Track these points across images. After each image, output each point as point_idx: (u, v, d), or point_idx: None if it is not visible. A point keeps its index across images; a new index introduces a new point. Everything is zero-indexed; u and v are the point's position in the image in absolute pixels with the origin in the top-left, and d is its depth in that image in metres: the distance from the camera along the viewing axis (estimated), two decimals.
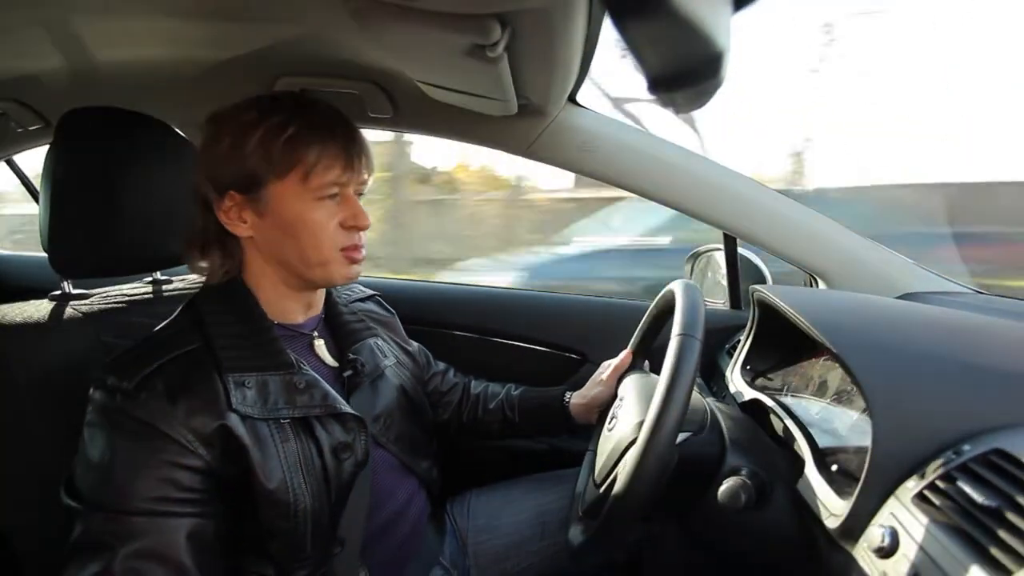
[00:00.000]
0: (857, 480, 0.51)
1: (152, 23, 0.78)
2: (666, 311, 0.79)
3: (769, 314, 0.79)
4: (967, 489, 0.44)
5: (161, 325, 0.66)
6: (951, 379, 0.55)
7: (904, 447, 0.50)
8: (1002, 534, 0.39)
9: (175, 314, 0.67)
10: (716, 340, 1.00)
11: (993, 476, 0.44)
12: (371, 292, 0.91)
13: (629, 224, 3.48)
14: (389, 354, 0.82)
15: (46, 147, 0.75)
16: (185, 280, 0.92)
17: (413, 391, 0.83)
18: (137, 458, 0.55)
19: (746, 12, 0.33)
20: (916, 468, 0.49)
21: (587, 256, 3.39)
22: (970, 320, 0.71)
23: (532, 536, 0.84)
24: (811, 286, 0.99)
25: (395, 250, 4.30)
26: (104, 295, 0.81)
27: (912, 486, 0.48)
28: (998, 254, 2.85)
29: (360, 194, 0.69)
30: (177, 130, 0.83)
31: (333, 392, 0.66)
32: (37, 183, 1.00)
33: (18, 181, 1.56)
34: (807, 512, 0.57)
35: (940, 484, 0.46)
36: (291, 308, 0.70)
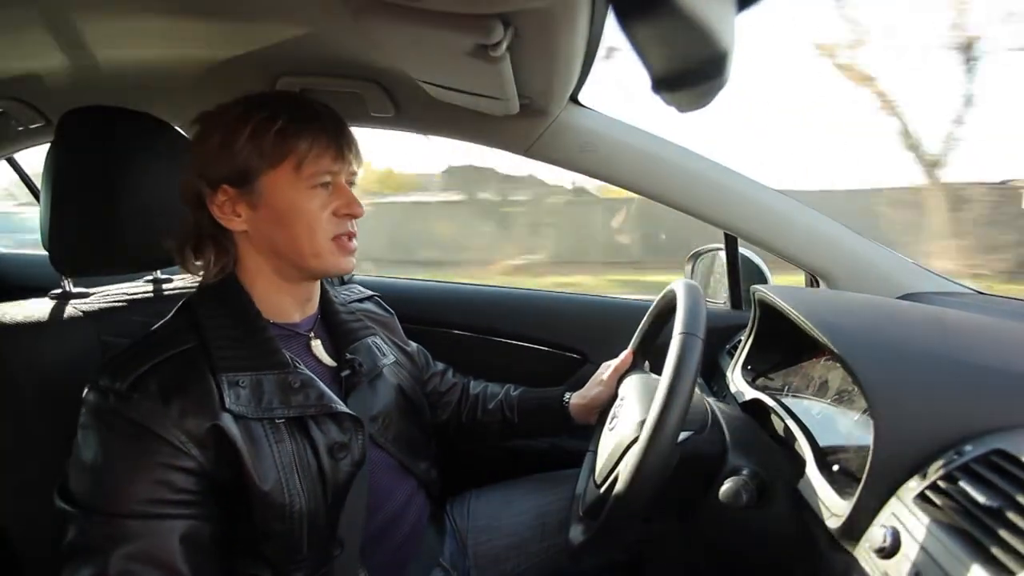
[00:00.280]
0: (858, 480, 0.51)
1: (153, 22, 0.78)
2: (667, 311, 0.79)
3: (770, 314, 0.79)
4: (969, 489, 0.44)
5: (156, 325, 0.65)
6: (952, 379, 0.55)
7: (905, 447, 0.50)
8: (1004, 534, 0.39)
9: (170, 314, 0.67)
10: (717, 340, 1.00)
11: (994, 476, 0.44)
12: (370, 293, 0.91)
13: None
14: (387, 354, 0.81)
15: (46, 146, 0.75)
16: (185, 279, 0.92)
17: (411, 391, 0.83)
18: (130, 460, 0.55)
19: (750, 12, 0.33)
20: (918, 468, 0.49)
21: None
22: (971, 321, 0.71)
23: (532, 537, 0.84)
24: (812, 286, 0.99)
25: None
26: (104, 294, 0.80)
27: (914, 486, 0.48)
28: None
29: (351, 184, 0.69)
30: (178, 129, 0.83)
31: (329, 392, 0.65)
32: (38, 181, 1.00)
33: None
34: (808, 512, 0.57)
35: (942, 484, 0.46)
36: (286, 305, 0.70)
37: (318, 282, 0.74)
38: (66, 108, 0.73)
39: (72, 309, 0.74)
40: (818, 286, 0.96)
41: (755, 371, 0.85)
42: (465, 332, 1.17)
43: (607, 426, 0.73)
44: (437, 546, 0.83)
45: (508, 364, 1.14)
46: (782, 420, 0.68)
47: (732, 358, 0.90)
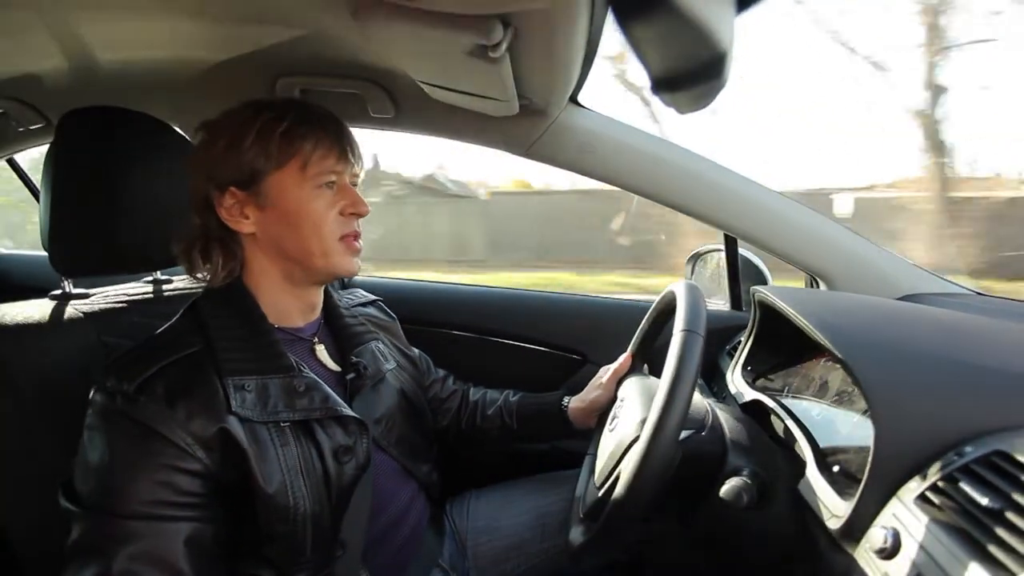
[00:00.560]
0: (859, 481, 0.51)
1: (153, 23, 0.78)
2: (666, 313, 0.79)
3: (770, 315, 0.79)
4: (969, 490, 0.44)
5: (163, 328, 0.66)
6: (952, 380, 0.55)
7: (906, 448, 0.50)
8: (1003, 535, 0.40)
9: (177, 316, 0.67)
10: (717, 341, 1.00)
11: (994, 477, 0.44)
12: (373, 297, 0.92)
13: None
14: (390, 358, 0.82)
15: (46, 146, 0.75)
16: (185, 280, 0.92)
17: (414, 395, 0.83)
18: (136, 461, 0.55)
19: (750, 13, 0.33)
20: (918, 469, 0.49)
21: None
22: (971, 322, 0.71)
23: (532, 538, 0.84)
24: (812, 287, 0.99)
25: None
26: (104, 294, 0.80)
27: (914, 487, 0.48)
28: None
29: (354, 184, 0.70)
30: (177, 130, 0.83)
31: (334, 395, 0.66)
32: (37, 181, 1.00)
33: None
34: (809, 513, 0.57)
35: (942, 485, 0.46)
36: (291, 309, 0.70)
37: (322, 289, 0.74)
38: (66, 109, 0.73)
39: (72, 310, 0.74)
40: (818, 287, 0.96)
41: (755, 372, 0.85)
42: (465, 332, 1.17)
43: (607, 428, 0.73)
44: (436, 547, 0.83)
45: (508, 365, 1.14)
46: (782, 421, 0.68)
47: (732, 359, 0.90)
